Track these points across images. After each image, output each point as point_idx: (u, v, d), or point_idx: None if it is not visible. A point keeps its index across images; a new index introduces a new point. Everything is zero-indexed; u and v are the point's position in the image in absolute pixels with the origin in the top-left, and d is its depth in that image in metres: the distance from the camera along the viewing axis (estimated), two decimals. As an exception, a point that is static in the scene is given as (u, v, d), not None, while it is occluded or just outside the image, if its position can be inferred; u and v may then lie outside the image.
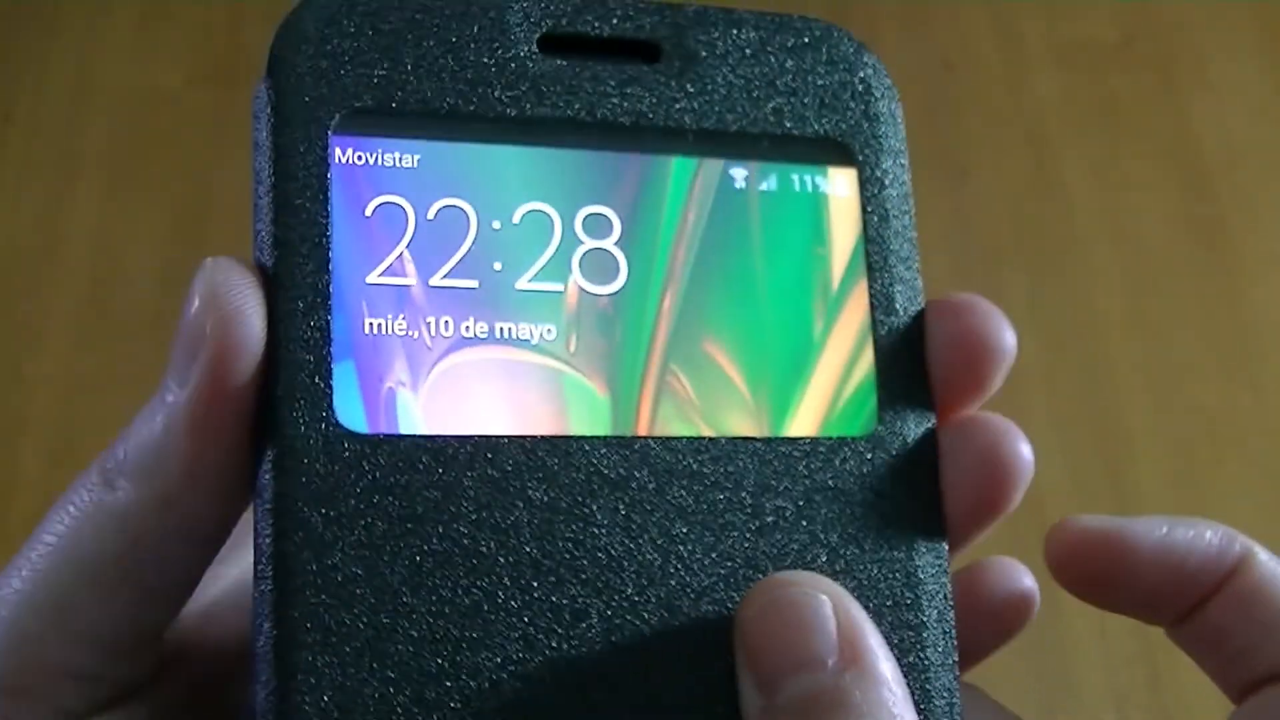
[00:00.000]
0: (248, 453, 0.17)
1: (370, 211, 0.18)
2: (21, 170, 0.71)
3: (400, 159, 0.18)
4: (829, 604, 0.17)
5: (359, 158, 0.18)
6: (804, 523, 0.18)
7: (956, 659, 0.18)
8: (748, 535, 0.18)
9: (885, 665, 0.17)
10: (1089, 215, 0.72)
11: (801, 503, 0.18)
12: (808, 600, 0.17)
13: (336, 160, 0.18)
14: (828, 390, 0.19)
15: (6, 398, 0.64)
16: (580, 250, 0.18)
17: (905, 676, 0.17)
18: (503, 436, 0.17)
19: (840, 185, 0.19)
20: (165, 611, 0.19)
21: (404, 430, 0.17)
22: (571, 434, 0.18)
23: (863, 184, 0.19)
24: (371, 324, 0.17)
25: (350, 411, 0.17)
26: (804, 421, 0.19)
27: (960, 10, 0.77)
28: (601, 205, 0.18)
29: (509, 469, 0.17)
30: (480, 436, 0.17)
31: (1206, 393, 0.68)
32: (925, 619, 0.18)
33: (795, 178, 0.19)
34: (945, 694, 0.18)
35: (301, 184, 0.18)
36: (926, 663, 0.18)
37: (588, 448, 0.18)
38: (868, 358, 0.19)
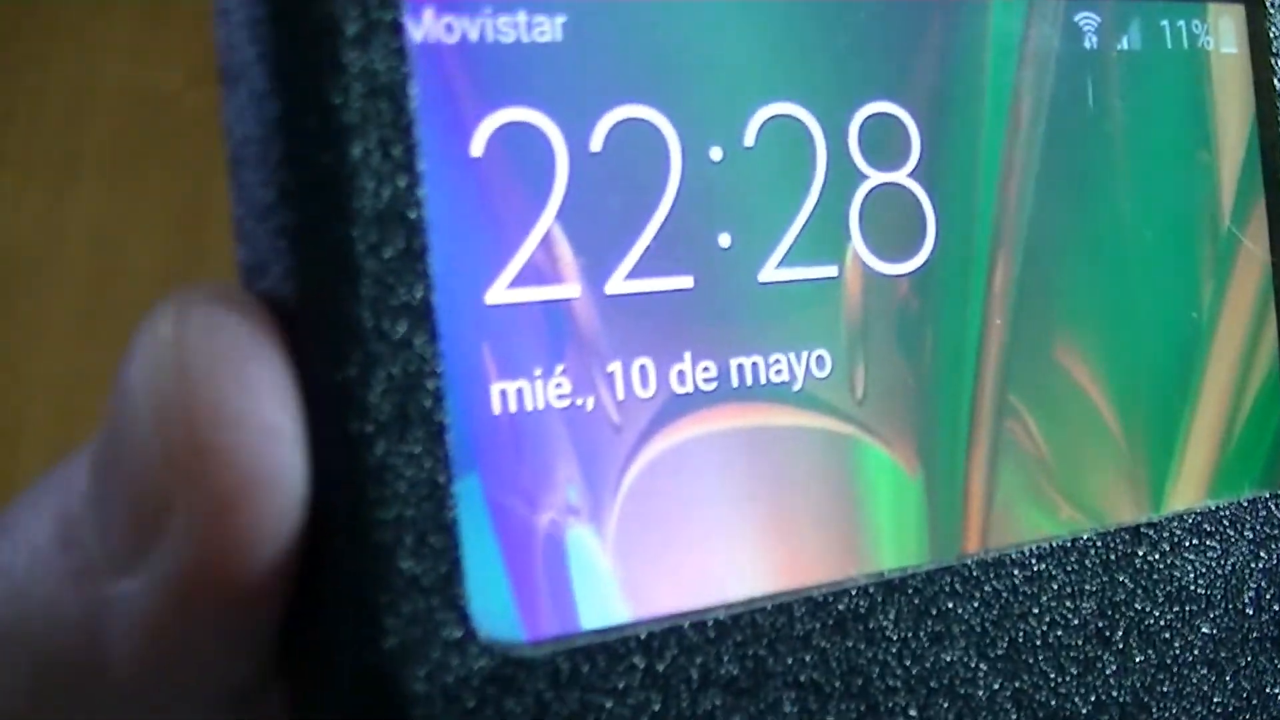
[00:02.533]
0: (249, 694, 0.10)
1: (481, 147, 0.09)
2: (21, 170, 0.71)
3: (532, 26, 0.09)
4: None
5: (451, 28, 0.09)
6: (1230, 634, 0.12)
7: None
8: (1169, 668, 0.11)
9: None
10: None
11: (1228, 605, 0.12)
12: None
13: (414, 37, 0.09)
14: (1219, 414, 0.12)
15: (6, 398, 0.64)
16: (862, 190, 0.10)
17: None
18: (772, 598, 0.09)
19: (1226, 34, 0.11)
20: None
21: (590, 622, 0.09)
22: (872, 569, 0.10)
23: (1256, 31, 0.11)
24: (506, 391, 0.09)
25: (491, 600, 0.09)
26: (1191, 477, 0.12)
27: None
28: (887, 100, 0.10)
29: (790, 662, 0.09)
30: (735, 607, 0.09)
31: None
32: None
33: (1166, 25, 0.11)
34: None
35: (353, 91, 0.09)
36: None
37: (906, 600, 0.10)
38: (1271, 345, 0.12)
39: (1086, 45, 0.11)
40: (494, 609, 0.09)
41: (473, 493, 0.09)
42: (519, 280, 0.09)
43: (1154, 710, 0.11)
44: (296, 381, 0.09)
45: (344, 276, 0.09)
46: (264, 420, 0.09)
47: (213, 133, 0.72)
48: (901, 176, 0.11)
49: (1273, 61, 0.12)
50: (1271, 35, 0.12)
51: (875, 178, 0.11)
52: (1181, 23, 0.12)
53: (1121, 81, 0.12)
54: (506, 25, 0.09)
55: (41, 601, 0.10)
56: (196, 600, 0.09)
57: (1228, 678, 0.12)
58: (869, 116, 0.10)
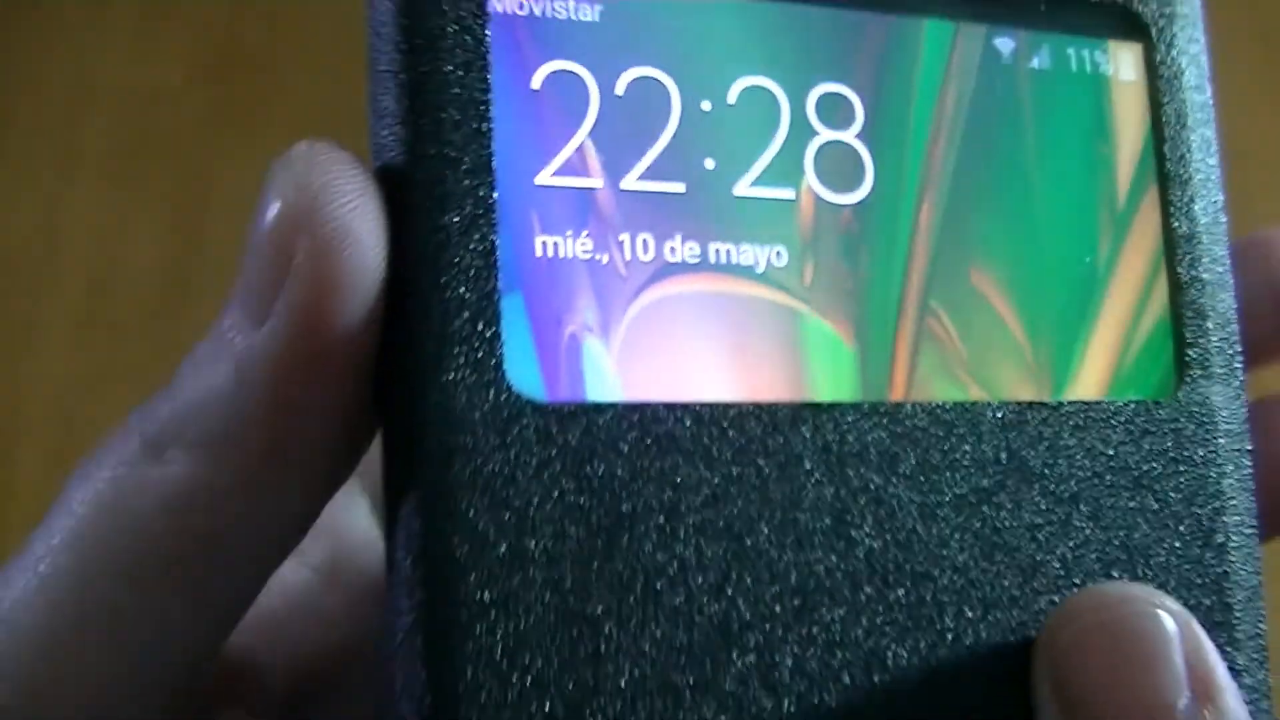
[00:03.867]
0: (356, 421, 0.13)
1: (539, 83, 0.13)
2: (21, 170, 0.71)
3: (576, 9, 0.14)
4: (1174, 628, 0.13)
5: (522, 5, 0.13)
6: (1105, 511, 0.14)
7: (1269, 670, 0.15)
8: (1039, 529, 0.14)
9: (1236, 703, 0.13)
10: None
11: (1098, 485, 0.14)
12: (1149, 625, 0.13)
13: (494, 8, 0.13)
14: (1116, 336, 0.15)
15: (6, 398, 0.64)
16: (815, 143, 0.14)
17: None
18: (729, 404, 0.13)
19: (1125, 66, 0.15)
20: (223, 623, 0.14)
21: (593, 396, 0.13)
22: (812, 399, 0.14)
23: (1148, 65, 0.15)
24: (546, 243, 0.13)
25: (523, 369, 0.13)
26: (1089, 379, 0.15)
27: None
28: (839, 82, 0.14)
29: (738, 450, 0.13)
30: (700, 405, 0.13)
31: (1206, 392, 0.68)
32: (1240, 629, 0.15)
33: (1072, 53, 0.15)
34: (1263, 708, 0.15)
35: (446, 43, 0.13)
36: (1241, 679, 0.15)
37: (834, 424, 0.13)
38: (1162, 293, 0.15)
39: (1003, 61, 0.15)
40: (523, 375, 0.13)
41: (516, 305, 0.13)
42: (560, 171, 0.13)
43: (966, 580, 0.14)
44: (382, 209, 0.13)
45: (437, 147, 0.13)
46: (355, 224, 0.12)
47: (213, 132, 0.72)
48: (849, 136, 0.14)
49: (1162, 86, 0.15)
50: (1165, 72, 0.15)
51: (825, 134, 0.14)
52: (1086, 51, 0.15)
53: (1033, 89, 0.15)
54: (560, 7, 0.14)
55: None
56: (309, 338, 0.13)
57: (1054, 562, 0.14)
58: (824, 94, 0.14)
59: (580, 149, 0.13)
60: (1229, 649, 0.15)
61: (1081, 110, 0.15)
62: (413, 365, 0.13)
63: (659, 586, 0.12)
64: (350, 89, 0.81)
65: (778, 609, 0.13)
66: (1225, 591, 0.15)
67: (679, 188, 0.14)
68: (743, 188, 0.14)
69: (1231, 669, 0.14)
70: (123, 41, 0.77)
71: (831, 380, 0.14)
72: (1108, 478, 0.15)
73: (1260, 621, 0.15)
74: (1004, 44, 0.15)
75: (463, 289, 0.13)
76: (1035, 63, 0.15)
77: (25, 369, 0.65)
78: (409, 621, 0.12)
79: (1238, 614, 0.15)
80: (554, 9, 0.13)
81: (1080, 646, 0.13)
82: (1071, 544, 0.14)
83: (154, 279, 0.68)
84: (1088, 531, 0.14)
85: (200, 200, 0.70)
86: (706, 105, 0.14)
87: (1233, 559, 0.15)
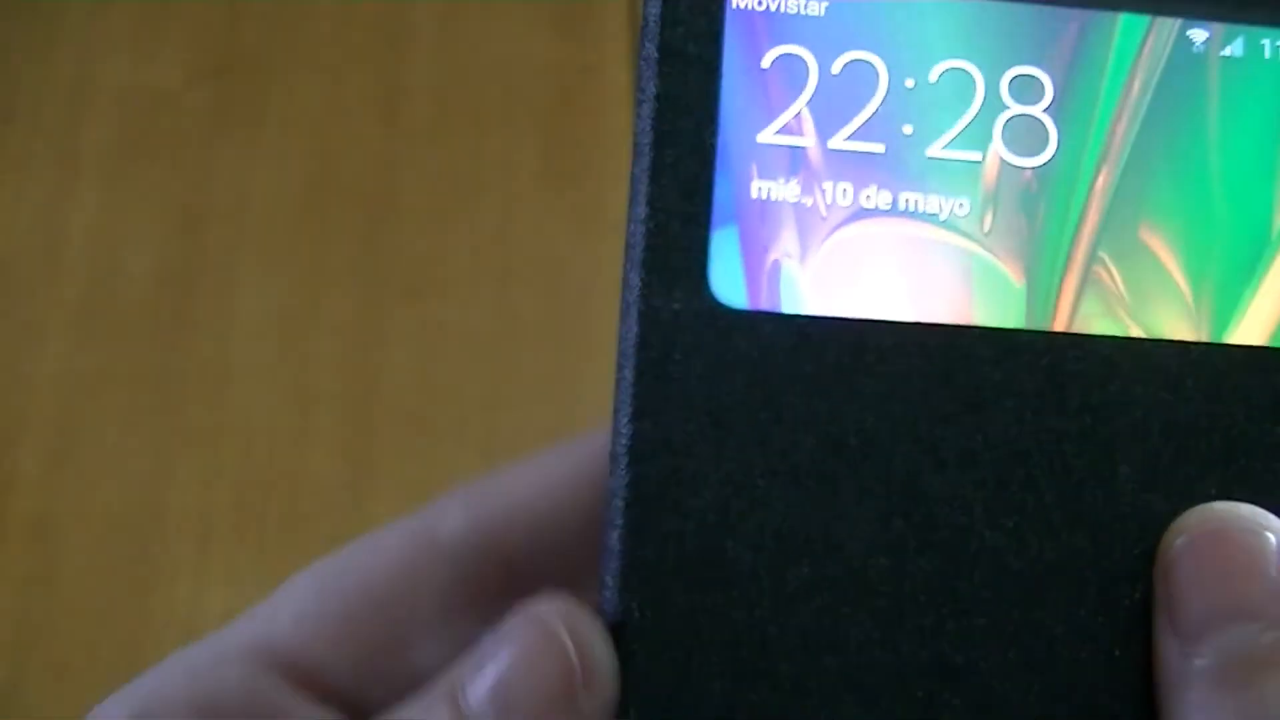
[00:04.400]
0: None
1: (768, 63, 0.16)
2: (21, 170, 0.71)
3: (805, 5, 0.16)
4: (1275, 546, 0.14)
5: (759, 2, 0.16)
6: (1243, 445, 0.16)
7: None
8: (1177, 455, 0.16)
9: None
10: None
11: (1242, 422, 0.16)
12: (1252, 538, 0.14)
13: (733, 4, 0.16)
14: (1272, 313, 0.16)
15: (6, 398, 0.64)
16: (1005, 115, 0.16)
17: None
18: (901, 323, 0.16)
19: None
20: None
21: (788, 309, 0.16)
22: (979, 324, 0.16)
23: None
24: (760, 187, 0.16)
25: (729, 284, 0.16)
26: (1251, 329, 0.16)
27: None
28: (1032, 66, 0.16)
29: (905, 360, 0.16)
30: (875, 321, 0.16)
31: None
32: None
33: (1266, 43, 0.16)
34: None
35: (691, 28, 0.16)
36: None
37: (997, 342, 0.16)
38: None
39: (1195, 49, 0.17)
40: (729, 289, 0.16)
41: (731, 235, 0.16)
42: (780, 132, 0.16)
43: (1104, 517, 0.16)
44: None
45: (671, 103, 0.16)
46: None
47: (213, 132, 0.71)
48: (1037, 110, 0.17)
49: None
50: None
51: (1015, 109, 0.17)
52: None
53: (1223, 71, 0.17)
54: (793, 4, 0.16)
55: None
56: None
57: (1201, 487, 0.16)
58: (1017, 75, 0.17)
59: (798, 115, 0.16)
60: None
61: (1272, 94, 0.17)
62: (637, 274, 0.16)
63: (816, 465, 0.15)
64: (350, 89, 0.82)
65: (916, 495, 0.16)
66: None
67: (879, 148, 0.16)
68: (935, 150, 0.16)
69: None
70: (123, 42, 0.77)
71: (999, 311, 0.16)
72: (1257, 415, 0.16)
73: None
74: (1197, 34, 0.17)
75: (680, 215, 0.16)
76: (1228, 50, 0.17)
77: (25, 369, 0.65)
78: (613, 484, 0.15)
79: None
80: (787, 6, 0.17)
81: (1187, 551, 0.15)
82: (1213, 473, 0.16)
83: (154, 279, 0.68)
84: (1230, 462, 0.16)
85: (200, 200, 0.70)
86: (910, 83, 0.17)
87: None
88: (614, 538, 0.15)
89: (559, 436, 0.71)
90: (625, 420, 0.15)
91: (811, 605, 0.15)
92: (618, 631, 0.15)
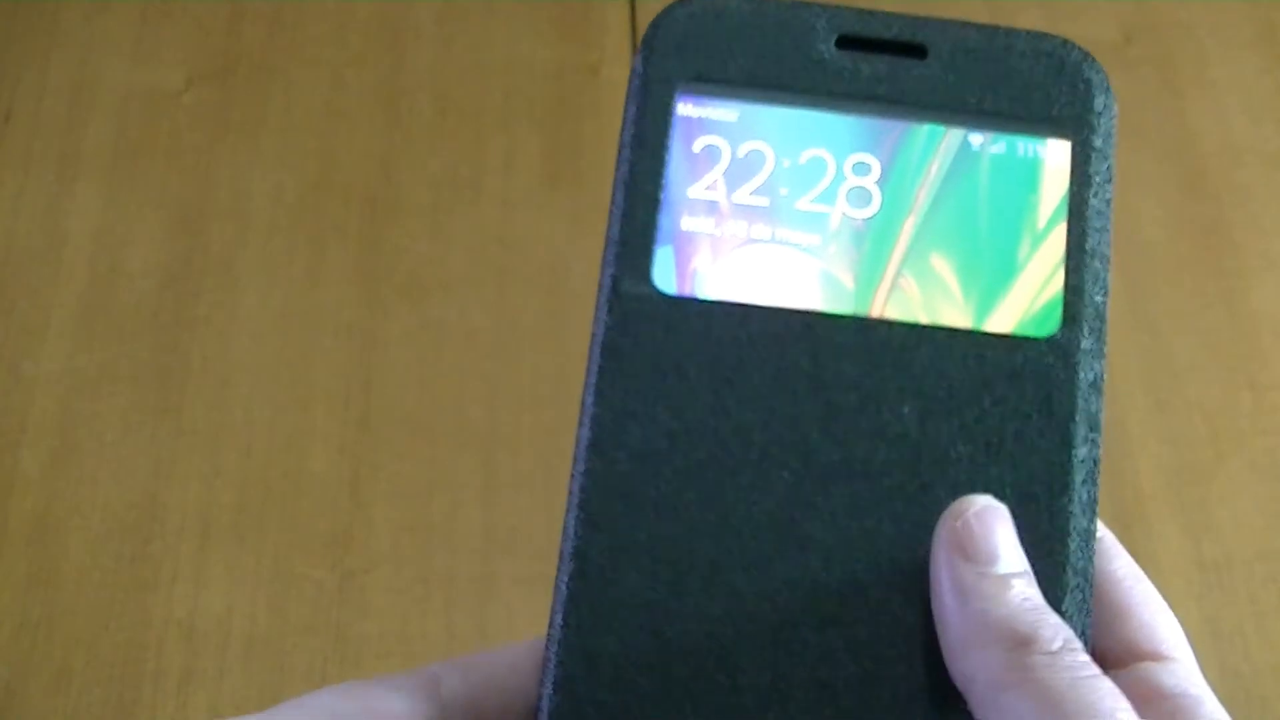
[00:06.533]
0: None
1: (697, 148, 0.24)
2: (21, 170, 0.71)
3: (725, 114, 0.24)
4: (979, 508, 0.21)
5: (695, 110, 0.24)
6: (987, 404, 0.23)
7: (1092, 556, 0.22)
8: (943, 411, 0.23)
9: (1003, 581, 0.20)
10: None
11: (989, 387, 0.23)
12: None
13: (678, 111, 0.24)
14: (1023, 302, 0.23)
15: (6, 398, 0.64)
16: (846, 185, 0.24)
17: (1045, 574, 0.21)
18: (770, 306, 0.23)
19: (1056, 154, 0.24)
20: None
21: (700, 296, 0.23)
22: (821, 310, 0.23)
23: (1074, 156, 0.24)
24: (688, 222, 0.24)
25: (664, 279, 0.23)
26: (1000, 323, 0.23)
27: (960, 10, 0.77)
28: (867, 154, 0.24)
29: (771, 329, 0.23)
30: (754, 305, 0.23)
31: (1206, 392, 0.68)
32: (1073, 504, 0.22)
33: (1021, 144, 0.24)
34: (1080, 591, 0.22)
35: (652, 125, 0.24)
36: (1067, 560, 0.22)
37: (832, 321, 0.23)
38: (1058, 282, 0.23)
39: (974, 148, 0.24)
40: (664, 282, 0.23)
41: (667, 251, 0.23)
42: (703, 190, 0.24)
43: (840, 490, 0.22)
44: None
45: (634, 166, 0.24)
46: None
47: (212, 133, 0.71)
48: (868, 182, 0.24)
49: (1078, 167, 0.24)
50: (1080, 161, 0.24)
51: (853, 180, 0.24)
52: (1030, 144, 0.24)
53: (991, 161, 0.24)
54: (714, 112, 0.24)
55: None
56: None
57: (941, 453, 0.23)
58: (857, 160, 0.24)
59: (715, 180, 0.24)
60: (1051, 527, 0.22)
61: (1023, 176, 0.24)
62: (608, 275, 0.23)
63: (711, 396, 0.23)
64: (350, 89, 0.81)
65: (770, 434, 0.22)
66: (1064, 485, 0.22)
67: (765, 202, 0.24)
68: (801, 204, 0.24)
69: (1059, 554, 0.22)
70: (123, 42, 0.77)
71: (835, 304, 0.23)
72: (1000, 381, 0.23)
73: (1093, 505, 0.22)
74: (976, 138, 0.24)
75: (637, 239, 0.23)
76: (995, 149, 0.24)
77: (26, 369, 0.65)
78: (582, 410, 0.23)
79: (1072, 497, 0.22)
80: (710, 114, 0.24)
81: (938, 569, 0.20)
82: (968, 426, 0.22)
83: (154, 279, 0.68)
84: (979, 420, 0.22)
85: (200, 200, 0.70)
86: (786, 162, 0.24)
87: (1079, 454, 0.22)
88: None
89: (558, 436, 0.71)
90: (594, 362, 0.23)
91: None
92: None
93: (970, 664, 0.19)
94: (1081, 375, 0.23)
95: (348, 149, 0.72)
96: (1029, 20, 0.77)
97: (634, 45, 0.76)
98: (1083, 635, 0.21)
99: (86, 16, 0.77)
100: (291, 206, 0.70)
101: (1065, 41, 0.26)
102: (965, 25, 0.25)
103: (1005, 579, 0.20)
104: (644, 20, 0.77)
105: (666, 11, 0.25)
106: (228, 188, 0.70)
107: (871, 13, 0.25)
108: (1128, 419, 0.66)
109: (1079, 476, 0.22)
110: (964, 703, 0.20)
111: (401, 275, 0.68)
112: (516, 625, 0.58)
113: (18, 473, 0.62)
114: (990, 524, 0.20)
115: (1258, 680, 0.57)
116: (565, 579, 0.22)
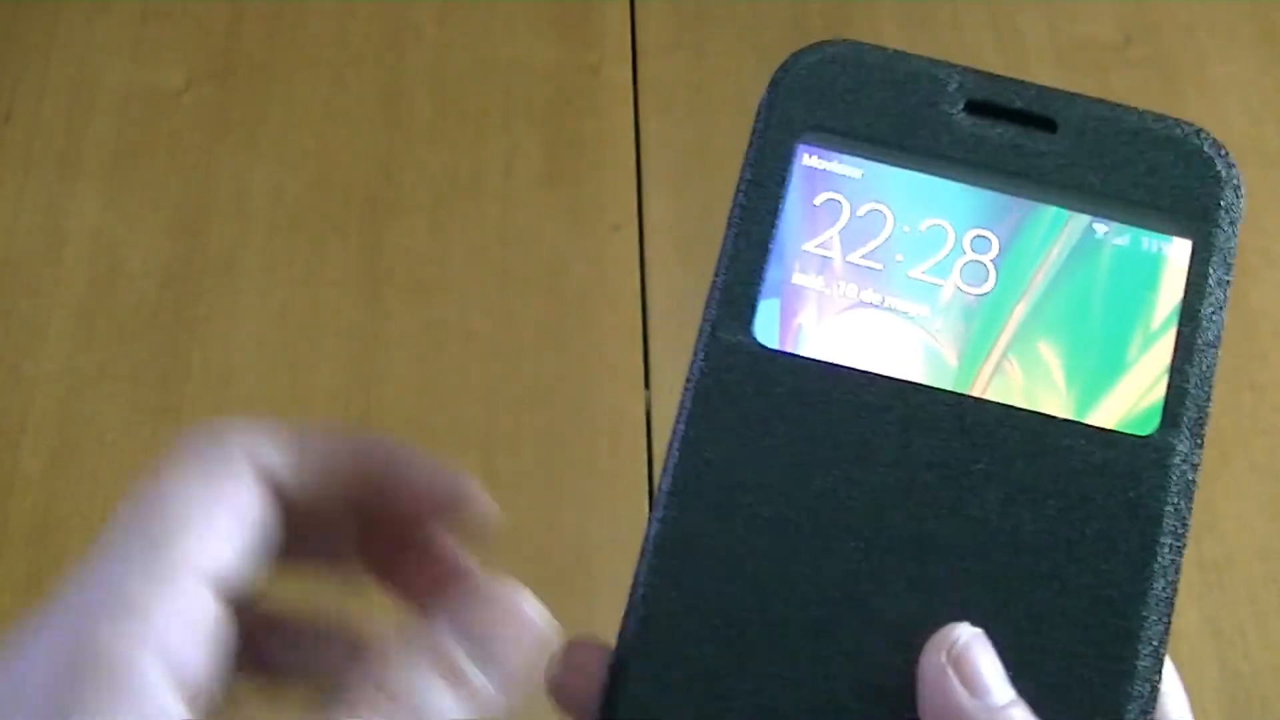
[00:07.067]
0: None
1: (818, 202, 0.24)
2: (21, 170, 0.71)
3: (848, 170, 0.24)
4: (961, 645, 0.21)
5: (818, 162, 0.24)
6: (1075, 497, 0.22)
7: (1162, 665, 0.22)
8: (1028, 498, 0.22)
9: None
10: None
11: (1078, 479, 0.22)
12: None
13: (801, 161, 0.24)
14: (1128, 399, 0.23)
15: (6, 398, 0.64)
16: (963, 259, 0.23)
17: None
18: (871, 372, 0.23)
19: (1178, 253, 0.24)
20: None
21: (801, 353, 0.23)
22: (922, 383, 0.23)
23: (1194, 257, 0.24)
24: (799, 277, 0.23)
25: (767, 333, 0.23)
26: (1100, 418, 0.23)
27: (960, 10, 0.77)
28: (988, 230, 0.24)
29: (866, 395, 0.23)
30: (855, 369, 0.23)
31: (1207, 392, 0.68)
32: (1151, 606, 0.22)
33: (1145, 239, 0.24)
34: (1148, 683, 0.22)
35: (772, 172, 0.24)
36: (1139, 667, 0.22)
37: (930, 393, 0.23)
38: (1163, 384, 0.23)
39: (1097, 236, 0.24)
40: (767, 337, 0.23)
41: (773, 304, 0.23)
42: (818, 246, 0.24)
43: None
44: None
45: (746, 215, 0.23)
46: None
47: (212, 133, 0.71)
48: (986, 259, 0.24)
49: (1196, 268, 0.23)
50: (1200, 264, 0.24)
51: (970, 256, 0.24)
52: (1155, 240, 0.24)
53: (1113, 253, 0.24)
54: (838, 166, 0.24)
55: None
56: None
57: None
58: (976, 235, 0.23)
59: (831, 238, 0.23)
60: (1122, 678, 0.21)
61: (1142, 272, 0.24)
62: (707, 323, 0.23)
63: (808, 450, 0.22)
64: (350, 90, 0.81)
65: (866, 497, 0.22)
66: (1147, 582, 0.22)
67: (879, 265, 0.23)
68: (915, 273, 0.23)
69: (1122, 698, 0.21)
70: (123, 42, 0.77)
71: (936, 377, 0.23)
72: (1098, 474, 0.22)
73: (1158, 665, 0.22)
74: (1100, 227, 0.24)
75: (742, 287, 0.23)
76: (1118, 240, 0.24)
77: (26, 369, 0.65)
78: (671, 443, 0.22)
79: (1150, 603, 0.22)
80: (835, 168, 0.24)
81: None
82: (1058, 519, 0.22)
83: (154, 279, 0.68)
84: (1071, 513, 0.22)
85: (200, 200, 0.70)
86: (906, 228, 0.23)
87: (1163, 559, 0.22)
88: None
89: (558, 436, 0.71)
90: (684, 410, 0.23)
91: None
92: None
93: None
94: (1174, 478, 0.22)
95: (348, 149, 0.72)
96: (1029, 20, 0.77)
97: (634, 45, 0.76)
98: None
99: (86, 16, 0.77)
100: (291, 206, 0.70)
101: (1199, 131, 0.25)
102: (1097, 102, 0.25)
103: (1005, 709, 0.21)
104: (644, 20, 0.76)
105: (797, 55, 0.24)
106: (228, 188, 0.70)
107: (1003, 80, 0.24)
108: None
109: (1158, 582, 0.22)
110: None
111: (401, 275, 0.68)
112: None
113: (18, 473, 0.62)
114: (978, 655, 0.21)
115: (1258, 680, 0.57)
116: (631, 625, 0.22)
